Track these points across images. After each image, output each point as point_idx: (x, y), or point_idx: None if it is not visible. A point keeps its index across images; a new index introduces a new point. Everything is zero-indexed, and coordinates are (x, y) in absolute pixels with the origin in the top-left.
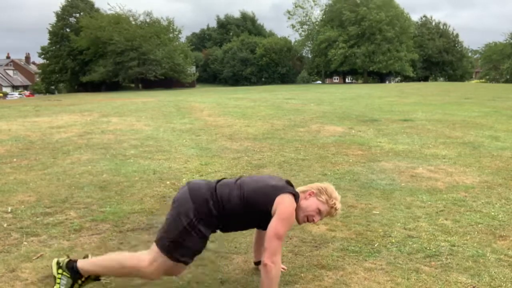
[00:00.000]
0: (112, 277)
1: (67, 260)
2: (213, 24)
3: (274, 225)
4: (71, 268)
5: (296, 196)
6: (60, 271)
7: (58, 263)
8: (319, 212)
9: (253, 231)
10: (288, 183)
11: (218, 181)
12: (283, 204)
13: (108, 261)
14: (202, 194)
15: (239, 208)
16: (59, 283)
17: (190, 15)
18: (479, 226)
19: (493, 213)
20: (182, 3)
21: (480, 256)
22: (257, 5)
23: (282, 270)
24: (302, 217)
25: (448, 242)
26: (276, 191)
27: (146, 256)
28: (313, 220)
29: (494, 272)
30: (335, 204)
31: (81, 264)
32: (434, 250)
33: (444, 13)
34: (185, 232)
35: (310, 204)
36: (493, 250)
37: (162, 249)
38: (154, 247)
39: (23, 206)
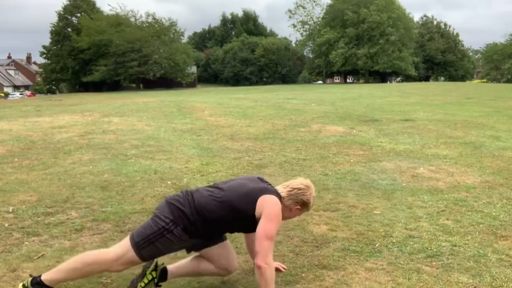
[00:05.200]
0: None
1: (30, 279)
2: (209, 24)
3: (262, 226)
4: (36, 283)
5: (279, 196)
6: None
7: (23, 285)
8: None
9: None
10: (265, 181)
11: (195, 189)
12: (268, 205)
13: (71, 264)
14: (178, 202)
15: (221, 214)
16: None
17: (184, 16)
18: (480, 226)
19: (494, 213)
20: (175, 4)
21: (481, 256)
22: (251, 6)
23: (283, 270)
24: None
25: (449, 242)
26: (258, 194)
27: (114, 249)
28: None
29: (495, 272)
30: (309, 210)
31: (45, 276)
32: (435, 250)
33: (434, 13)
34: (160, 233)
35: (293, 214)
36: (494, 250)
37: (134, 244)
38: (126, 241)
39: (24, 206)
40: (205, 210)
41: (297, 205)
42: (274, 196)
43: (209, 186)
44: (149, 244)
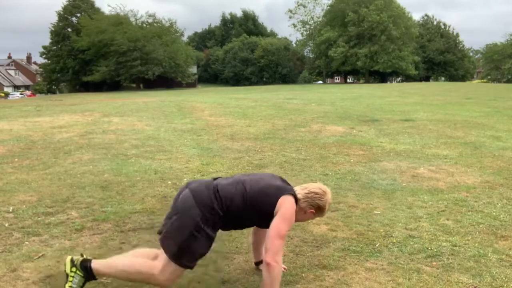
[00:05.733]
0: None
1: (81, 258)
2: (209, 24)
3: (276, 225)
4: (84, 267)
5: (295, 197)
6: (74, 269)
7: (72, 261)
8: (310, 219)
9: (251, 231)
10: (284, 180)
11: (214, 179)
12: (286, 205)
13: (125, 267)
14: (206, 196)
15: (243, 208)
16: (71, 281)
17: (183, 16)
18: (481, 226)
19: (494, 213)
20: (174, 4)
21: (482, 256)
22: (250, 6)
23: (283, 270)
24: (295, 222)
25: (449, 242)
26: (279, 192)
27: (158, 263)
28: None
29: (496, 272)
30: (323, 216)
31: (95, 265)
32: (435, 250)
33: (432, 14)
34: (192, 236)
35: (307, 217)
36: (494, 250)
37: (171, 256)
38: (163, 254)
39: (24, 206)
40: (230, 202)
41: (312, 208)
42: (292, 197)
43: (230, 178)
44: (185, 251)
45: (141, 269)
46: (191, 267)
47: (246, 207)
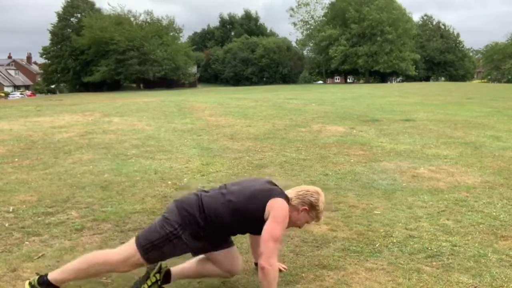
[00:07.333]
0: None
1: (37, 277)
2: (207, 25)
3: (269, 228)
4: (42, 283)
5: (286, 198)
6: None
7: (30, 283)
8: (306, 223)
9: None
10: (273, 183)
11: (205, 192)
12: (276, 207)
13: (77, 264)
14: (190, 205)
15: (232, 219)
16: None
17: (182, 16)
18: (481, 226)
19: (494, 213)
20: (173, 4)
21: (482, 257)
22: (248, 6)
23: (283, 270)
24: (290, 225)
25: (449, 242)
26: (268, 195)
27: (120, 251)
28: (299, 227)
29: (496, 272)
30: (319, 219)
31: (52, 275)
32: (435, 250)
33: (431, 13)
34: (166, 238)
35: (300, 218)
36: (494, 250)
37: (140, 247)
38: (131, 243)
39: (24, 206)
40: (213, 215)
41: (304, 205)
42: (282, 199)
43: (218, 189)
44: (156, 249)
45: (96, 259)
46: (151, 263)
47: (235, 217)
